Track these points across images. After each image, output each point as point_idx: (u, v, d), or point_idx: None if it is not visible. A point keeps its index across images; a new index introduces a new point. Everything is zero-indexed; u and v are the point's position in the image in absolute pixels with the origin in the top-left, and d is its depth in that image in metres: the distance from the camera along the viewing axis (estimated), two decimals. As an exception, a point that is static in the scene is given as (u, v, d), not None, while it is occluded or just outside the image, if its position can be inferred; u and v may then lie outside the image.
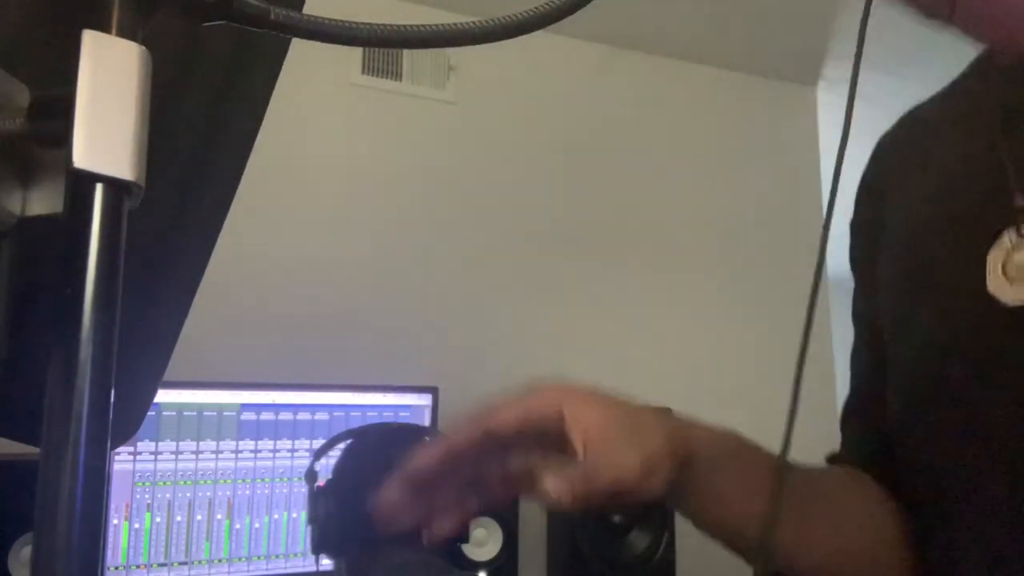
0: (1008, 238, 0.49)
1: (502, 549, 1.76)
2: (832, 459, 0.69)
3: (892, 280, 0.61)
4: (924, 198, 0.59)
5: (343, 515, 1.08)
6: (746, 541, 0.57)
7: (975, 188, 0.54)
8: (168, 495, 1.62)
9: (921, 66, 2.36)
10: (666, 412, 0.66)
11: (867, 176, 0.71)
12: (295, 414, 1.75)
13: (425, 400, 1.84)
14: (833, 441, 0.72)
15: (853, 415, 0.69)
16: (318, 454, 1.18)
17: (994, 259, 0.49)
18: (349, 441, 1.19)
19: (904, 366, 0.60)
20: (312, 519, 1.11)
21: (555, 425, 0.54)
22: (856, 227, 0.72)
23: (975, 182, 0.54)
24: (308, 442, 1.76)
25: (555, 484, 0.50)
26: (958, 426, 0.54)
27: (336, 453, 1.18)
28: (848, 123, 0.46)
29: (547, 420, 0.54)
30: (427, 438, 1.18)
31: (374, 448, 1.18)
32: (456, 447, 0.53)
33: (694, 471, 0.55)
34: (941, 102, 0.66)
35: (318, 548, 1.11)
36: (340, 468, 1.15)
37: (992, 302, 0.49)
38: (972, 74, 0.63)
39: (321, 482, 1.14)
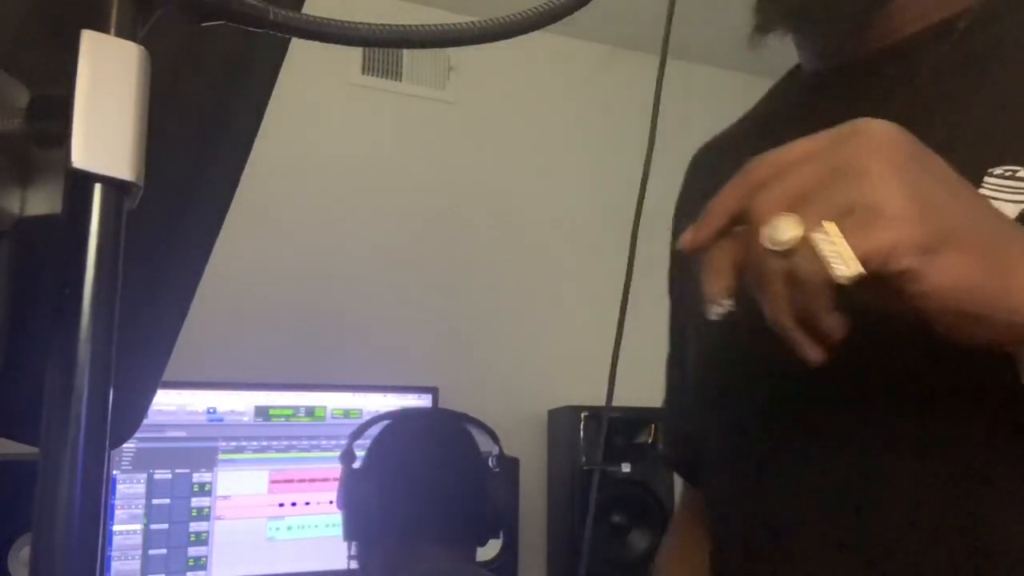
0: None
1: (502, 549, 1.76)
2: None
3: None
4: None
5: (384, 500, 1.03)
6: None
7: None
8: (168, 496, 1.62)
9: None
10: None
11: (681, 195, 0.77)
12: (295, 415, 1.75)
13: (425, 400, 1.84)
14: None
15: None
16: (355, 435, 1.12)
17: None
18: (387, 424, 1.12)
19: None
20: (348, 503, 1.05)
21: None
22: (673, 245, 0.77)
23: None
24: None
25: None
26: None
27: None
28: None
29: None
30: (467, 425, 1.14)
31: (416, 432, 1.13)
32: None
33: None
34: (740, 122, 0.72)
35: (353, 534, 1.05)
36: (380, 451, 1.08)
37: None
38: (773, 91, 0.68)
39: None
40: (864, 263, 0.36)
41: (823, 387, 0.51)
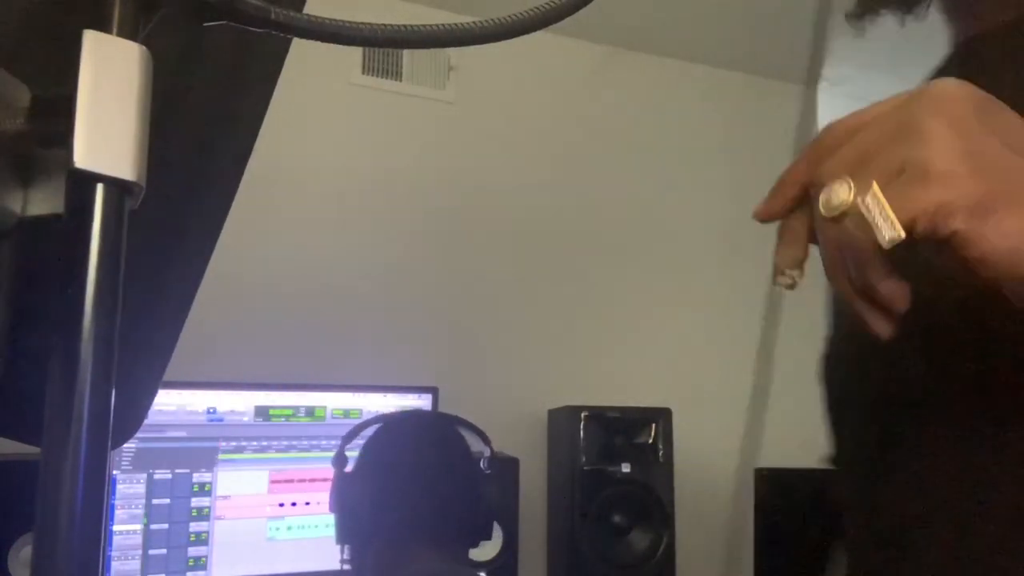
0: None
1: (502, 549, 1.76)
2: None
3: None
4: None
5: (376, 504, 1.03)
6: None
7: None
8: (167, 497, 1.62)
9: (920, 67, 2.35)
10: None
11: None
12: (295, 414, 1.75)
13: (425, 400, 1.84)
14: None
15: None
16: (347, 438, 1.12)
17: None
18: (379, 426, 1.13)
19: None
20: (340, 506, 1.05)
21: None
22: None
23: None
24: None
25: None
26: None
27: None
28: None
29: None
30: (459, 427, 1.15)
31: (407, 435, 1.13)
32: None
33: None
34: None
35: (345, 537, 1.05)
36: (372, 454, 1.09)
37: None
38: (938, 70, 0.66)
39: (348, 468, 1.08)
40: (910, 225, 0.34)
41: (930, 387, 0.49)
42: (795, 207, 0.41)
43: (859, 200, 0.36)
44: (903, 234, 0.34)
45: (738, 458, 2.21)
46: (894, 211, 0.35)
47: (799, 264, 0.40)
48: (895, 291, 0.37)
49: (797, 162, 0.41)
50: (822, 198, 0.38)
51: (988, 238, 0.34)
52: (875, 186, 0.35)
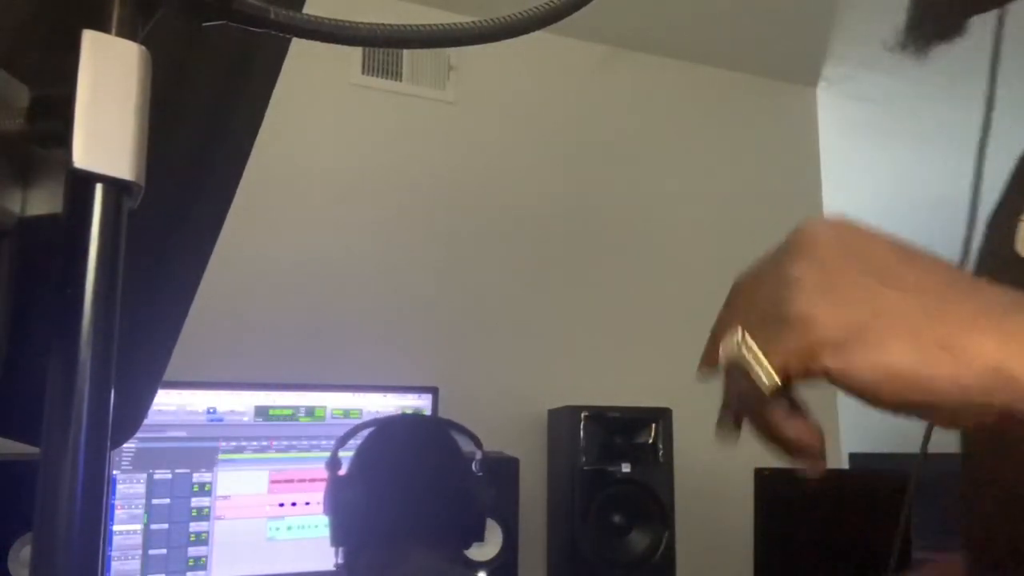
0: None
1: (502, 549, 1.76)
2: None
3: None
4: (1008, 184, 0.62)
5: (370, 506, 1.04)
6: None
7: None
8: (167, 497, 1.62)
9: (921, 66, 2.35)
10: None
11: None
12: (295, 415, 1.75)
13: (425, 400, 1.84)
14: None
15: None
16: (341, 441, 1.13)
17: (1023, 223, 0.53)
18: (372, 430, 1.14)
19: None
20: (334, 509, 1.07)
21: None
22: None
23: None
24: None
25: None
26: None
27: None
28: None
29: None
30: (450, 430, 1.16)
31: (400, 438, 1.14)
32: None
33: None
34: None
35: (340, 540, 1.06)
36: (366, 457, 1.10)
37: (1018, 260, 0.51)
38: None
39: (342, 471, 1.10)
40: (784, 370, 0.35)
41: None
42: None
43: (740, 351, 0.37)
44: (778, 381, 0.35)
45: (738, 458, 2.21)
46: (767, 357, 0.35)
47: (731, 423, 0.41)
48: (801, 432, 0.37)
49: (718, 316, 0.42)
50: (720, 352, 0.38)
51: (859, 370, 0.34)
52: (746, 336, 0.36)
